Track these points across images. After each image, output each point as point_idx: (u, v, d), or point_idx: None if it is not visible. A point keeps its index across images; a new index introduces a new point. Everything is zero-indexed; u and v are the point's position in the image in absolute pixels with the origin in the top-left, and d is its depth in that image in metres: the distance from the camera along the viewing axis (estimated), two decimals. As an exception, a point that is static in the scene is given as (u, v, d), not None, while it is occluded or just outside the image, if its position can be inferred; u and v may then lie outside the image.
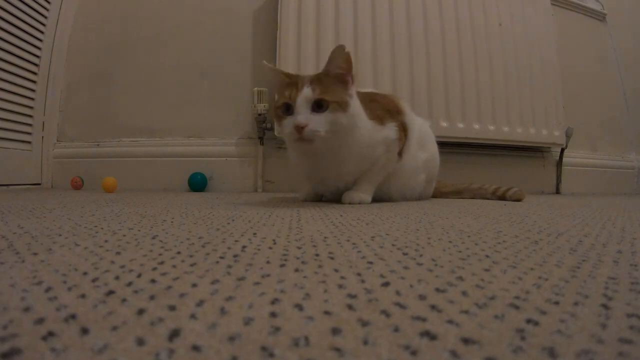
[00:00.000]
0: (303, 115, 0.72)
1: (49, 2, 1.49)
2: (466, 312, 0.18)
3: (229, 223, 0.49)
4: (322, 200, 0.93)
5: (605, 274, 0.25)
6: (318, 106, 0.73)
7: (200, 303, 0.19)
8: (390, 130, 0.85)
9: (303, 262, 0.27)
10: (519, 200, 1.11)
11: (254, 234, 0.40)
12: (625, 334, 0.16)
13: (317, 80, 0.75)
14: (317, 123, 0.72)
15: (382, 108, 0.87)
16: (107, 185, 1.22)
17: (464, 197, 1.16)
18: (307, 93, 0.73)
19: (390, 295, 0.20)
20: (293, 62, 1.43)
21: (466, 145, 1.63)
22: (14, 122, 1.39)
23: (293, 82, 0.76)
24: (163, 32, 1.60)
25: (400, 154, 0.89)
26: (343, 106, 0.75)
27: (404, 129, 0.89)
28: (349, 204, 0.82)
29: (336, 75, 0.77)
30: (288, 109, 0.75)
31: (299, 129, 0.71)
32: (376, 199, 0.90)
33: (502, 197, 1.12)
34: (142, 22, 1.61)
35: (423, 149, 0.97)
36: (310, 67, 1.43)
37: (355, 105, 0.78)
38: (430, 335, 0.15)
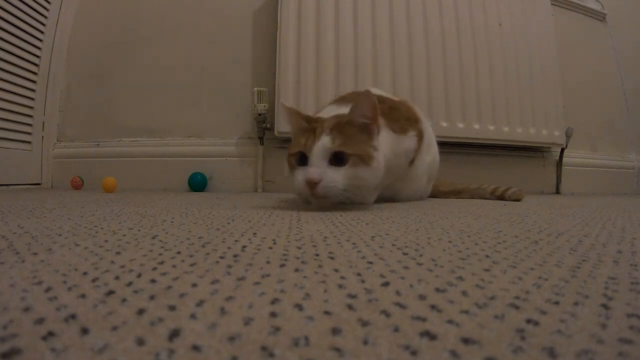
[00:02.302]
0: (317, 168, 0.63)
1: (49, 2, 1.49)
2: (466, 312, 0.18)
3: (229, 223, 0.49)
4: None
5: (605, 274, 0.25)
6: (337, 159, 0.64)
7: (200, 303, 0.19)
8: (411, 141, 0.83)
9: (303, 262, 0.27)
10: (518, 200, 1.11)
11: (254, 234, 0.40)
12: (625, 334, 0.16)
13: (338, 128, 0.66)
14: (332, 179, 0.63)
15: (404, 117, 0.85)
16: (107, 185, 1.22)
17: (463, 197, 1.16)
18: (325, 143, 0.64)
19: (390, 295, 0.20)
20: (293, 62, 1.43)
21: (466, 145, 1.63)
22: (14, 122, 1.39)
23: (311, 127, 0.67)
24: (163, 32, 1.60)
25: (413, 159, 0.89)
26: (366, 160, 0.66)
27: (420, 137, 0.89)
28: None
29: (361, 124, 0.68)
30: (302, 158, 0.66)
31: (312, 184, 0.62)
32: (382, 200, 0.90)
33: (501, 197, 1.12)
34: (142, 22, 1.61)
35: (428, 152, 0.98)
36: (311, 67, 1.43)
37: (380, 157, 0.69)
38: (430, 335, 0.15)
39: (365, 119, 0.68)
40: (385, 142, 0.75)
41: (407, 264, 0.27)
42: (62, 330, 0.15)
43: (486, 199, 1.14)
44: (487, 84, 1.59)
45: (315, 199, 0.65)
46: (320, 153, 0.64)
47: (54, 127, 1.58)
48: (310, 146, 0.65)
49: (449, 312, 0.18)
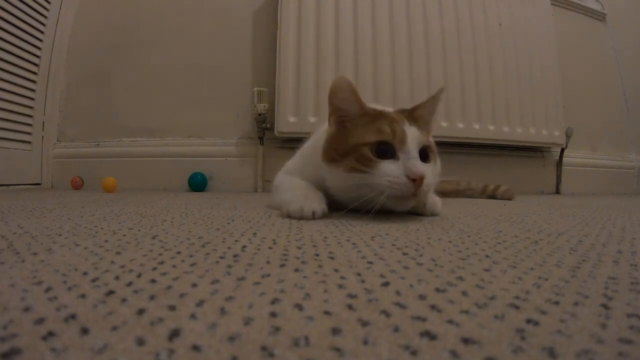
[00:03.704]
0: (419, 162, 0.53)
1: (49, 2, 1.49)
2: (466, 312, 0.18)
3: (229, 223, 0.49)
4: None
5: (605, 274, 0.25)
6: (423, 154, 0.55)
7: (200, 303, 0.19)
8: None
9: (303, 262, 0.27)
10: (509, 199, 1.10)
11: (254, 234, 0.40)
12: (625, 334, 0.16)
13: (413, 120, 0.57)
14: (430, 176, 0.53)
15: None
16: (107, 185, 1.22)
17: (451, 197, 1.14)
18: (416, 134, 0.54)
19: (390, 295, 0.20)
20: (293, 62, 1.43)
21: (466, 145, 1.63)
22: (14, 122, 1.39)
23: (384, 115, 0.57)
24: (163, 32, 1.60)
25: None
26: (436, 159, 0.59)
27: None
28: None
29: (428, 120, 0.61)
30: (383, 150, 0.53)
31: (418, 180, 0.51)
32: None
33: (492, 196, 1.12)
34: (142, 22, 1.61)
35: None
36: (311, 67, 1.43)
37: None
38: (430, 335, 0.15)
39: (431, 115, 0.61)
40: None
41: (407, 264, 0.27)
42: (62, 330, 0.15)
43: (476, 198, 1.14)
44: (487, 84, 1.59)
45: (409, 200, 0.54)
46: (415, 145, 0.54)
47: (54, 127, 1.58)
48: (402, 135, 0.53)
49: (449, 312, 0.18)
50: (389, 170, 0.52)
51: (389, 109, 0.63)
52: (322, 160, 0.58)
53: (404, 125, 0.55)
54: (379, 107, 0.62)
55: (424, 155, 0.55)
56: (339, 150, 0.56)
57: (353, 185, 0.54)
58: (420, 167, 0.52)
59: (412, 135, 0.54)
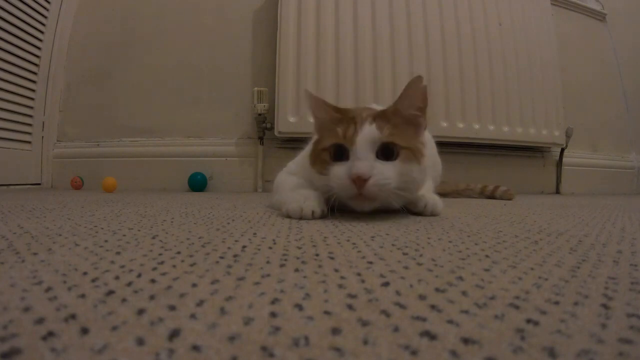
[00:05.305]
0: (365, 162, 0.52)
1: (49, 2, 1.49)
2: (466, 312, 0.18)
3: (229, 223, 0.49)
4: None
5: (605, 274, 0.25)
6: (386, 152, 0.54)
7: (200, 303, 0.19)
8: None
9: (303, 262, 0.27)
10: (509, 199, 1.11)
11: (254, 234, 0.40)
12: (625, 334, 0.16)
13: (383, 117, 0.56)
14: (384, 175, 0.52)
15: None
16: (107, 185, 1.23)
17: (451, 197, 1.15)
18: (371, 133, 0.53)
19: (390, 295, 0.20)
20: (293, 62, 1.43)
21: (466, 145, 1.63)
22: (14, 122, 1.39)
23: (347, 117, 0.57)
24: (163, 32, 1.60)
25: None
26: (417, 156, 0.56)
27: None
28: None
29: (408, 116, 0.58)
30: (339, 152, 0.55)
31: (361, 181, 0.51)
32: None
33: (491, 196, 1.12)
34: (142, 22, 1.61)
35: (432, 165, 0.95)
36: (311, 67, 1.43)
37: (428, 156, 0.60)
38: (430, 335, 0.15)
39: (414, 110, 0.58)
40: (429, 141, 0.67)
41: (407, 264, 0.27)
42: (62, 330, 0.15)
43: (475, 198, 1.14)
44: (487, 84, 1.59)
45: (360, 201, 0.54)
46: (367, 144, 0.53)
47: (54, 127, 1.58)
48: (351, 137, 0.53)
49: (449, 312, 0.18)
50: (337, 172, 0.54)
51: (380, 107, 0.63)
52: (309, 163, 0.61)
53: (362, 125, 0.54)
54: (377, 108, 0.62)
55: (388, 153, 0.54)
56: (313, 154, 0.60)
57: (322, 187, 0.57)
58: (363, 167, 0.51)
59: (365, 135, 0.53)
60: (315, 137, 0.63)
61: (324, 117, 0.60)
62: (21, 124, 1.42)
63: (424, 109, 0.59)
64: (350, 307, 0.18)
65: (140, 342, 0.14)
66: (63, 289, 0.20)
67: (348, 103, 1.40)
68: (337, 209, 0.58)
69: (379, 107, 0.64)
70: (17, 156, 1.41)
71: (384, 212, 0.57)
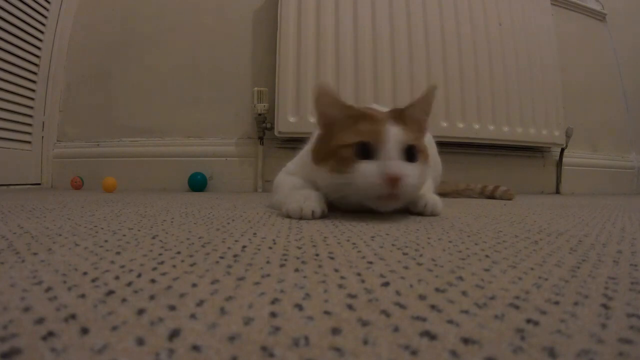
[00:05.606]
0: (398, 162, 0.52)
1: (49, 2, 1.49)
2: (466, 312, 0.18)
3: (229, 223, 0.49)
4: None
5: (605, 274, 0.25)
6: (409, 154, 0.54)
7: (200, 303, 0.19)
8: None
9: (303, 262, 0.27)
10: (509, 199, 1.11)
11: (254, 234, 0.40)
12: (625, 334, 0.16)
13: (401, 119, 0.57)
14: (414, 176, 0.53)
15: None
16: (107, 185, 1.23)
17: (451, 197, 1.15)
18: (399, 134, 0.53)
19: (390, 295, 0.20)
20: (293, 62, 1.43)
21: (466, 145, 1.63)
22: (14, 122, 1.39)
23: (366, 116, 0.57)
24: (163, 32, 1.60)
25: None
26: (428, 159, 0.58)
27: None
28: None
29: (417, 120, 0.59)
30: (364, 151, 0.53)
31: (395, 181, 0.51)
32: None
33: (491, 196, 1.12)
34: (142, 22, 1.61)
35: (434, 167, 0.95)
36: (311, 67, 1.43)
37: (431, 156, 0.62)
38: (430, 335, 0.15)
39: (424, 114, 0.61)
40: (430, 141, 0.69)
41: (407, 264, 0.27)
42: (62, 330, 0.15)
43: (475, 198, 1.14)
44: (487, 84, 1.59)
45: (388, 201, 0.54)
46: (396, 145, 0.53)
47: (54, 127, 1.58)
48: (380, 136, 0.53)
49: (449, 312, 0.18)
50: (366, 171, 0.52)
51: (385, 109, 0.63)
52: (312, 161, 0.60)
53: (386, 125, 0.54)
54: (378, 107, 0.62)
55: (410, 155, 0.54)
56: (323, 151, 0.58)
57: (337, 185, 0.55)
58: (398, 167, 0.51)
59: (394, 135, 0.53)
60: (317, 133, 0.61)
61: (335, 114, 0.58)
62: (21, 124, 1.42)
63: (429, 114, 0.61)
64: (350, 307, 0.18)
65: (140, 342, 0.14)
66: (63, 289, 0.20)
67: (348, 103, 1.39)
68: (336, 208, 0.58)
69: (379, 107, 0.64)
70: (17, 156, 1.41)
71: (384, 212, 0.56)
